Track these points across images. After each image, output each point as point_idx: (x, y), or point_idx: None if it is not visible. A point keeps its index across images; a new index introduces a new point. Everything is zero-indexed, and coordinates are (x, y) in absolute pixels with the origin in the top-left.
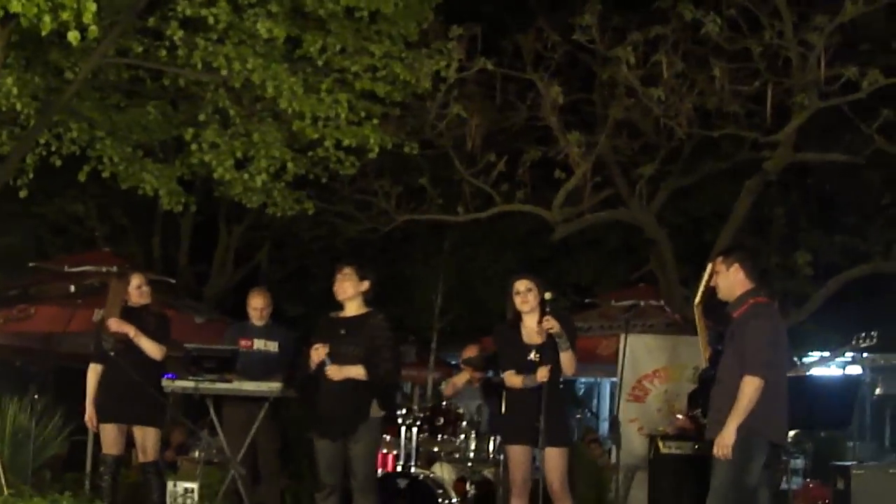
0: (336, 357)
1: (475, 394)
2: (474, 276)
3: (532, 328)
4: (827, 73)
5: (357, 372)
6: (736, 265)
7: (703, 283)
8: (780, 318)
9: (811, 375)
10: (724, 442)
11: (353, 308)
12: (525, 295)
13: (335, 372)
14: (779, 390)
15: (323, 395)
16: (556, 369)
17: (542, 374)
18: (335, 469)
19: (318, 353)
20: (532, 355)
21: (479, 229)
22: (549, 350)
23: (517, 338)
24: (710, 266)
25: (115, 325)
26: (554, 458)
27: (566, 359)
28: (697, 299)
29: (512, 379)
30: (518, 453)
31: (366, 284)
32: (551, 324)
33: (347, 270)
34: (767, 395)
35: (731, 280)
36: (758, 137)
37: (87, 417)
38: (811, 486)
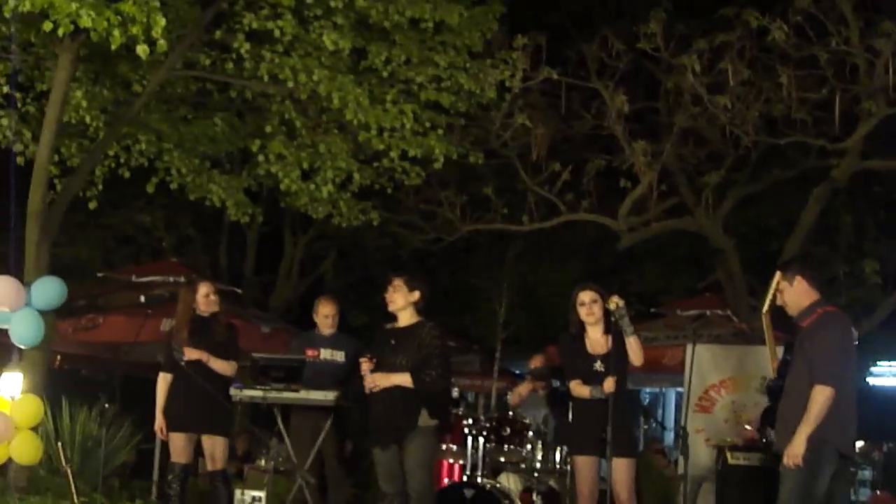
0: (385, 367)
1: (541, 403)
2: (538, 285)
3: (596, 339)
4: (895, 79)
5: (402, 379)
6: (798, 277)
7: (771, 291)
8: (851, 327)
9: (879, 385)
10: (795, 451)
11: (405, 318)
12: (590, 306)
13: (380, 379)
14: (848, 400)
15: (374, 405)
16: (622, 380)
17: (609, 384)
18: (393, 478)
19: (364, 366)
20: (597, 365)
21: (543, 239)
22: (614, 360)
23: (582, 348)
24: (777, 274)
25: (189, 353)
26: (621, 469)
27: (632, 344)
28: (765, 308)
29: (579, 389)
30: (585, 464)
31: (416, 295)
32: (616, 301)
33: (398, 282)
34: (837, 404)
35: (796, 292)
36: (825, 145)
37: (156, 426)
38: (880, 496)
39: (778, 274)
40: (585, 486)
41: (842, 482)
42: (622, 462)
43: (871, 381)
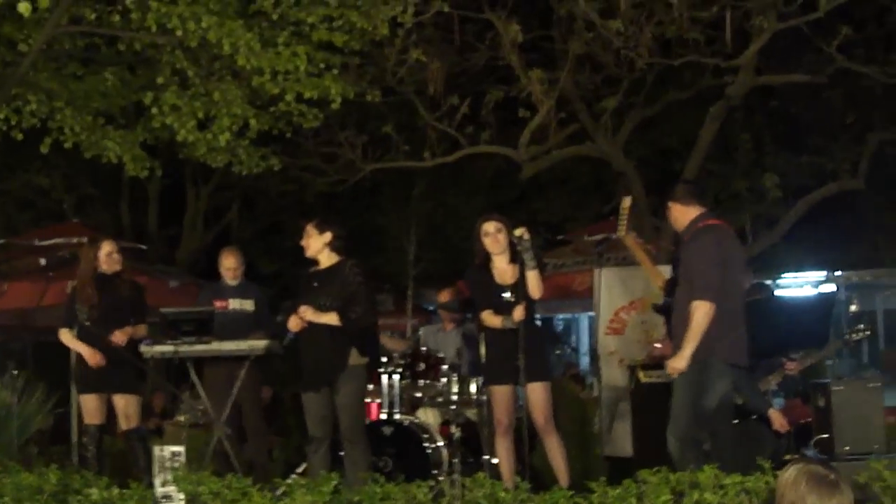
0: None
1: (453, 337)
2: (446, 221)
3: (503, 269)
4: None
5: (329, 318)
6: (670, 202)
7: (621, 216)
8: (728, 236)
9: (785, 297)
10: (675, 364)
11: (324, 261)
12: (495, 236)
13: (307, 313)
14: (732, 310)
15: (303, 349)
16: (530, 307)
17: (519, 313)
18: (323, 421)
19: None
20: (507, 296)
21: (447, 174)
22: (522, 289)
23: (489, 279)
24: (625, 199)
25: (115, 338)
26: (537, 394)
27: (531, 278)
28: (621, 233)
29: (490, 319)
30: (501, 393)
31: (328, 236)
32: (521, 231)
33: (308, 228)
34: (721, 316)
35: (674, 216)
36: (719, 63)
37: (90, 358)
38: (792, 405)
39: (626, 199)
40: (503, 415)
41: (746, 389)
42: (537, 387)
43: (779, 293)
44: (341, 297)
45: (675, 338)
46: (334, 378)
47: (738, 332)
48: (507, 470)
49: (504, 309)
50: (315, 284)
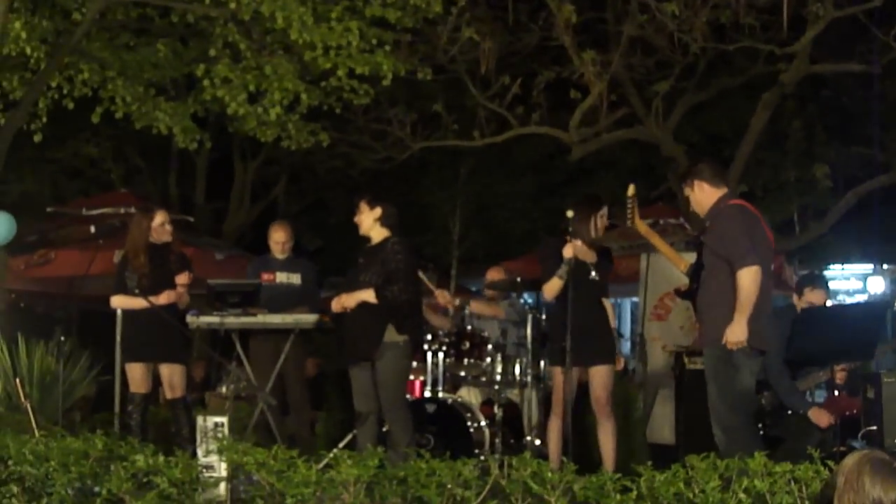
0: (354, 286)
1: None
2: (491, 202)
3: (582, 247)
4: None
5: (366, 295)
6: (696, 181)
7: (628, 204)
8: (757, 220)
9: (834, 306)
10: (733, 338)
11: (375, 237)
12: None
13: (346, 299)
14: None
15: (342, 323)
16: (602, 286)
17: (568, 250)
18: (365, 396)
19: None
20: (593, 274)
21: (495, 154)
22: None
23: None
24: (631, 187)
25: (157, 300)
26: (601, 376)
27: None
28: (631, 222)
29: (550, 286)
30: (564, 374)
31: (378, 212)
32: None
33: (361, 205)
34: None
35: (699, 196)
36: (773, 50)
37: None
38: (838, 397)
39: (631, 186)
40: (563, 396)
41: (781, 386)
42: (602, 369)
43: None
44: (382, 273)
45: (701, 323)
46: (371, 354)
47: (759, 320)
48: (555, 451)
49: (585, 287)
50: (361, 261)
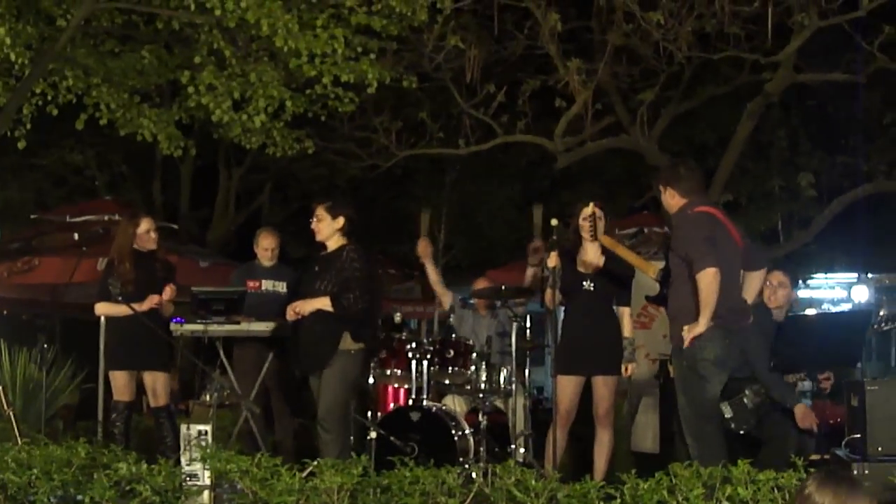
0: (308, 294)
1: (482, 325)
2: (477, 209)
3: (592, 257)
4: None
5: (322, 303)
6: (665, 187)
7: (587, 221)
8: (724, 226)
9: (816, 314)
10: (694, 331)
11: (332, 245)
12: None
13: (300, 305)
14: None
15: (297, 332)
16: (606, 294)
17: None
18: None
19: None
20: (587, 283)
21: (480, 162)
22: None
23: (571, 265)
24: (590, 205)
25: (141, 306)
26: (606, 386)
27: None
28: (596, 235)
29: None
30: (572, 383)
31: (340, 221)
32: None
33: (319, 211)
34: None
35: (667, 200)
36: (758, 59)
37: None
38: (821, 405)
39: (591, 205)
40: (566, 406)
41: (769, 378)
42: (608, 379)
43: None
44: (337, 281)
45: (672, 327)
46: (325, 364)
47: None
48: (551, 460)
49: (581, 297)
50: (316, 269)
